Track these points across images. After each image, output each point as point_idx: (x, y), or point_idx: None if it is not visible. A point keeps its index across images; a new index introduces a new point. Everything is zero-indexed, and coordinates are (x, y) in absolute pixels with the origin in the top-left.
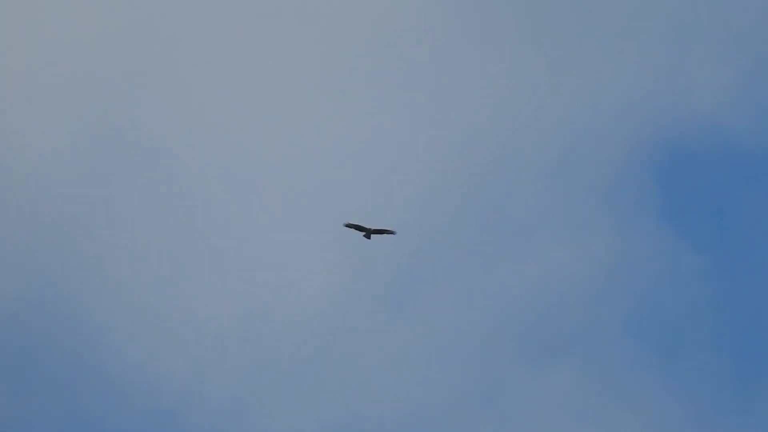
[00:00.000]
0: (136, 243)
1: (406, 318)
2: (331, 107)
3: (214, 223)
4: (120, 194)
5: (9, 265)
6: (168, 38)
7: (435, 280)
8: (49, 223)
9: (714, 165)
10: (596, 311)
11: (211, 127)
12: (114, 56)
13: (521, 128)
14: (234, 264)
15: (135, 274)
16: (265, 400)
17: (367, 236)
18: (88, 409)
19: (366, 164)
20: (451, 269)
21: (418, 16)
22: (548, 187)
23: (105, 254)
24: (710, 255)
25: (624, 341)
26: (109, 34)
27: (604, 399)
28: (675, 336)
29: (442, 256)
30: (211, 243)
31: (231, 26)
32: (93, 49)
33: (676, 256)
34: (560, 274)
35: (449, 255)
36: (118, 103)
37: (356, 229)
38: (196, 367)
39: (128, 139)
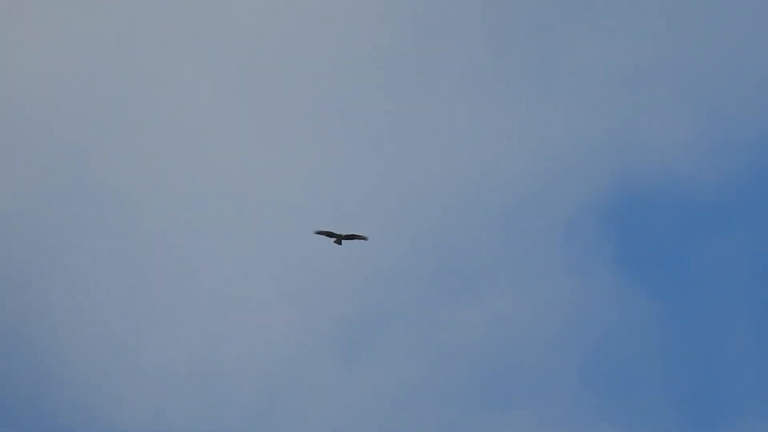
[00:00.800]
0: (91, 285)
1: (359, 365)
2: (286, 153)
3: (172, 268)
4: (75, 236)
5: None
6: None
7: (389, 327)
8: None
9: (669, 213)
10: (551, 359)
11: (166, 172)
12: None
13: (477, 173)
14: (190, 309)
15: (92, 314)
16: None
17: (338, 242)
18: None
19: (319, 209)
20: (406, 316)
21: (375, 55)
22: (504, 233)
23: (57, 295)
24: (665, 303)
25: (578, 389)
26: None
27: None
28: (629, 384)
29: (397, 302)
30: (168, 289)
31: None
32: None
33: (630, 304)
34: (515, 321)
35: (403, 301)
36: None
37: (327, 235)
38: (149, 410)
39: (83, 182)
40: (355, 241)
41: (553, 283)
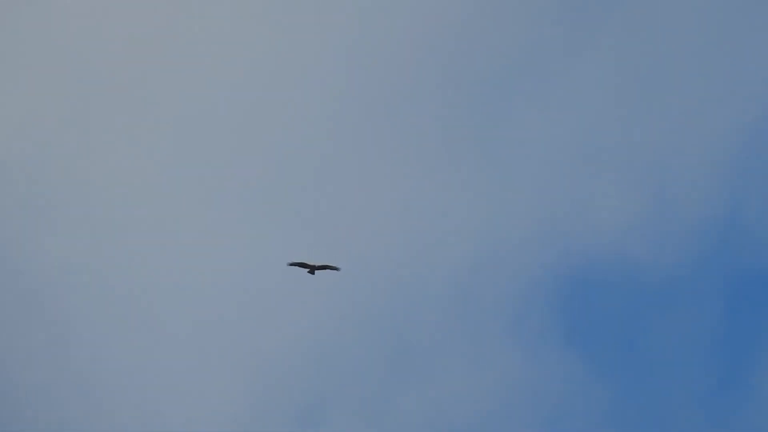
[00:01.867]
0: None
1: None
2: (230, 238)
3: (127, 346)
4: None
5: None
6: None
7: (338, 409)
8: None
9: (618, 293)
10: None
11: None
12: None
13: (425, 254)
14: (145, 388)
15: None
16: None
17: (312, 272)
18: None
19: (267, 293)
20: (355, 397)
21: (325, 131)
22: (453, 311)
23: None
24: (613, 382)
25: None
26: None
27: None
28: None
29: (346, 384)
30: (124, 366)
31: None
32: None
33: (579, 383)
34: (464, 402)
35: (353, 383)
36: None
37: (300, 266)
38: None
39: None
40: (327, 270)
41: (503, 363)
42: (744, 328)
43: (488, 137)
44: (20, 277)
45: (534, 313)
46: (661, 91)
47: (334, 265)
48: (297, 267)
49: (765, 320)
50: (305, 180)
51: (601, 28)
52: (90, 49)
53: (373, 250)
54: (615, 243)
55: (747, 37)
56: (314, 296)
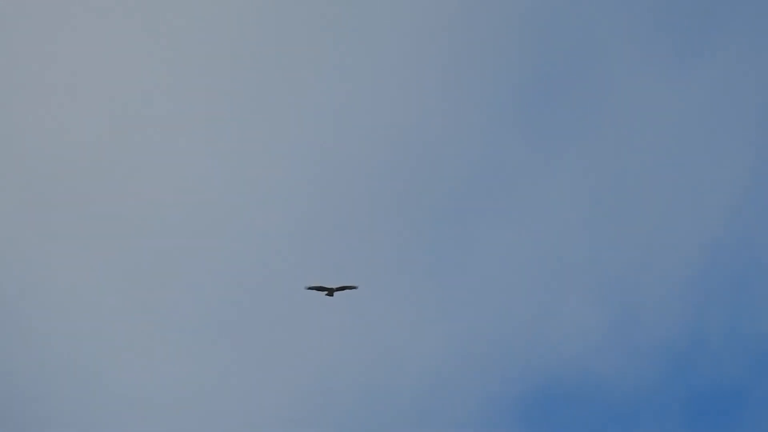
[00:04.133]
0: None
1: None
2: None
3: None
4: None
5: None
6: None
7: None
8: None
9: (582, 409)
10: None
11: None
12: None
13: (387, 366)
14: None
15: None
16: None
17: (330, 294)
18: None
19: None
20: None
21: (280, 247)
22: (415, 426)
23: None
24: None
25: None
26: None
27: None
28: None
29: None
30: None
31: None
32: None
33: None
34: None
35: None
36: None
37: (318, 290)
38: None
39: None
40: (346, 291)
41: None
42: None
43: (454, 250)
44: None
45: (497, 427)
46: (629, 209)
47: (351, 284)
48: (315, 291)
49: None
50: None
51: (568, 145)
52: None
53: (333, 362)
54: (580, 359)
55: (712, 158)
56: (273, 417)
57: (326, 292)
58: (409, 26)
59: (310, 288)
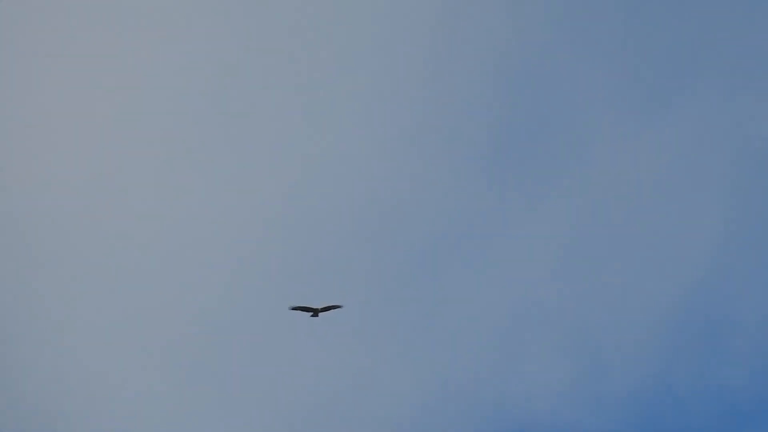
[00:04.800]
0: None
1: None
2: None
3: None
4: None
5: None
6: None
7: None
8: None
9: None
10: None
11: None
12: None
13: (354, 415)
14: None
15: None
16: None
17: (315, 315)
18: None
19: None
20: None
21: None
22: None
23: None
24: None
25: None
26: None
27: None
28: None
29: None
30: None
31: None
32: None
33: None
34: None
35: None
36: None
37: (303, 310)
38: None
39: None
40: (332, 311)
41: None
42: None
43: (424, 299)
44: None
45: None
46: (598, 261)
47: (336, 304)
48: (300, 311)
49: None
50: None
51: (540, 197)
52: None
53: (301, 414)
54: (548, 409)
55: (681, 213)
56: None
57: (311, 313)
58: (385, 72)
59: (295, 308)
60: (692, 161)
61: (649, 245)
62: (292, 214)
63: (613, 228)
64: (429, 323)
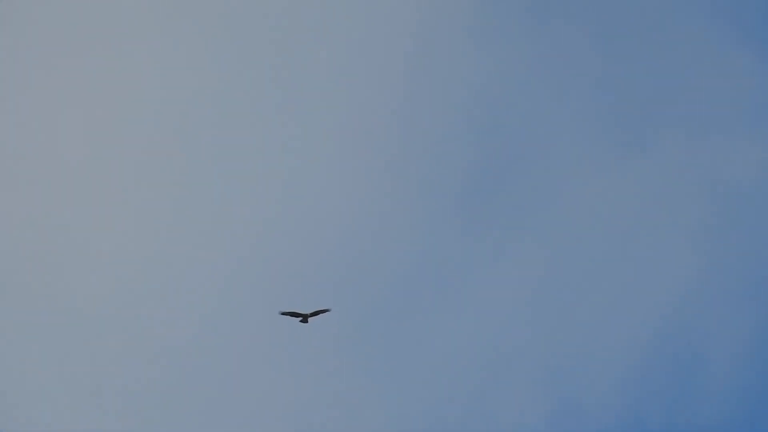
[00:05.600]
0: None
1: None
2: None
3: None
4: None
5: None
6: None
7: None
8: None
9: None
10: None
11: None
12: None
13: None
14: None
15: None
16: None
17: (305, 321)
18: None
19: None
20: None
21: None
22: None
23: None
24: None
25: None
26: None
27: None
28: None
29: None
30: None
31: None
32: None
33: None
34: None
35: None
36: None
37: (292, 315)
38: None
39: None
40: (320, 315)
41: None
42: None
43: (394, 342)
44: None
45: None
46: (570, 302)
47: (324, 308)
48: (289, 316)
49: None
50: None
51: (511, 238)
52: None
53: None
54: None
55: (652, 254)
56: None
57: (300, 318)
58: (356, 115)
59: (285, 313)
60: (663, 203)
61: (620, 285)
62: (263, 254)
63: (585, 268)
64: (401, 365)
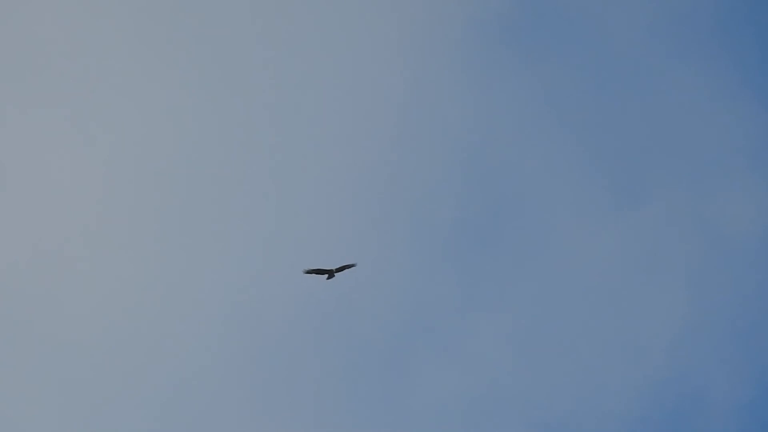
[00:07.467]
0: None
1: None
2: None
3: None
4: None
5: None
6: None
7: None
8: None
9: None
10: None
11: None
12: None
13: None
14: None
15: None
16: None
17: (331, 276)
18: None
19: None
20: None
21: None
22: None
23: None
24: None
25: None
26: None
27: None
28: None
29: None
30: None
31: None
32: None
33: None
34: None
35: None
36: None
37: (318, 273)
38: None
39: None
40: (346, 271)
41: None
42: None
43: (383, 388)
44: None
45: None
46: (561, 350)
47: (351, 263)
48: (314, 274)
49: None
50: None
51: (502, 285)
52: None
53: None
54: None
55: (644, 305)
56: None
57: (327, 275)
58: (347, 160)
59: (309, 271)
60: (659, 253)
61: (614, 333)
62: (243, 312)
63: (577, 317)
64: (390, 411)
